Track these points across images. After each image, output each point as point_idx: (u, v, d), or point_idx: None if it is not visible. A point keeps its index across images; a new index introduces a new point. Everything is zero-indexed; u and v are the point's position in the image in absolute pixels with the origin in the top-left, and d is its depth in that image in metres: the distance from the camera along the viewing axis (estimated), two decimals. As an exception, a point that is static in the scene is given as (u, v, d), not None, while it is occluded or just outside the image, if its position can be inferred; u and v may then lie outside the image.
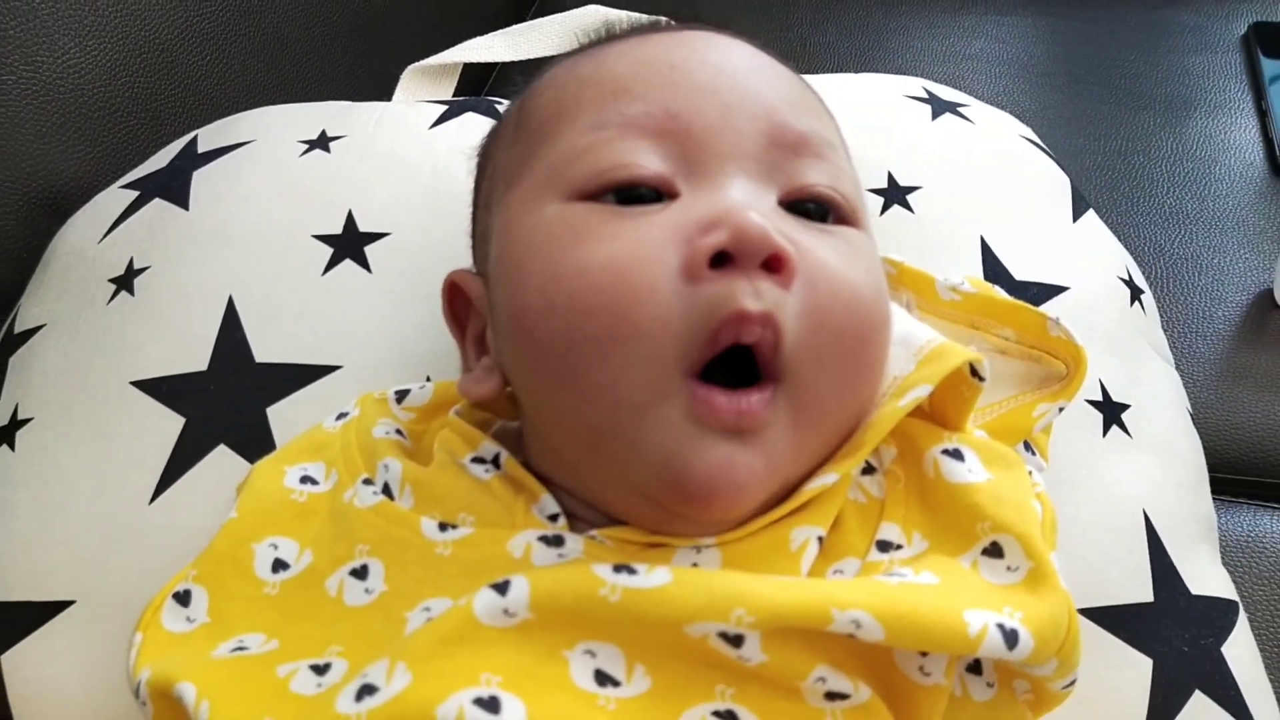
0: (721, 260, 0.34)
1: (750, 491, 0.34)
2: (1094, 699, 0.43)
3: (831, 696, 0.33)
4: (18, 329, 0.55)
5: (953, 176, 0.55)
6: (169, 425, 0.48)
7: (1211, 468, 0.55)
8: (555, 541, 0.35)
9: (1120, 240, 0.59)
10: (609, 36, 0.45)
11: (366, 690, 0.31)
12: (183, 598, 0.39)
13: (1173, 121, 0.90)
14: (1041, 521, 0.36)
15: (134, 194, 0.58)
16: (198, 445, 0.48)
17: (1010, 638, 0.32)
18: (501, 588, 0.32)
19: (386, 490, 0.40)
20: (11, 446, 0.50)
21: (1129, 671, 0.44)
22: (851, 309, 0.36)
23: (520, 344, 0.37)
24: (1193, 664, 0.44)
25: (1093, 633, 0.43)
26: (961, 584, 0.34)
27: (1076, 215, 0.56)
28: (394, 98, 0.69)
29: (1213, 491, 0.55)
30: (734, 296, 0.33)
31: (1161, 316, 0.61)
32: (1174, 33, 0.99)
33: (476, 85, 0.99)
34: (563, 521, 0.37)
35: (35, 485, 0.49)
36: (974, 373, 0.38)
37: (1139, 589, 0.45)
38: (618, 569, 0.32)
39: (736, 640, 0.32)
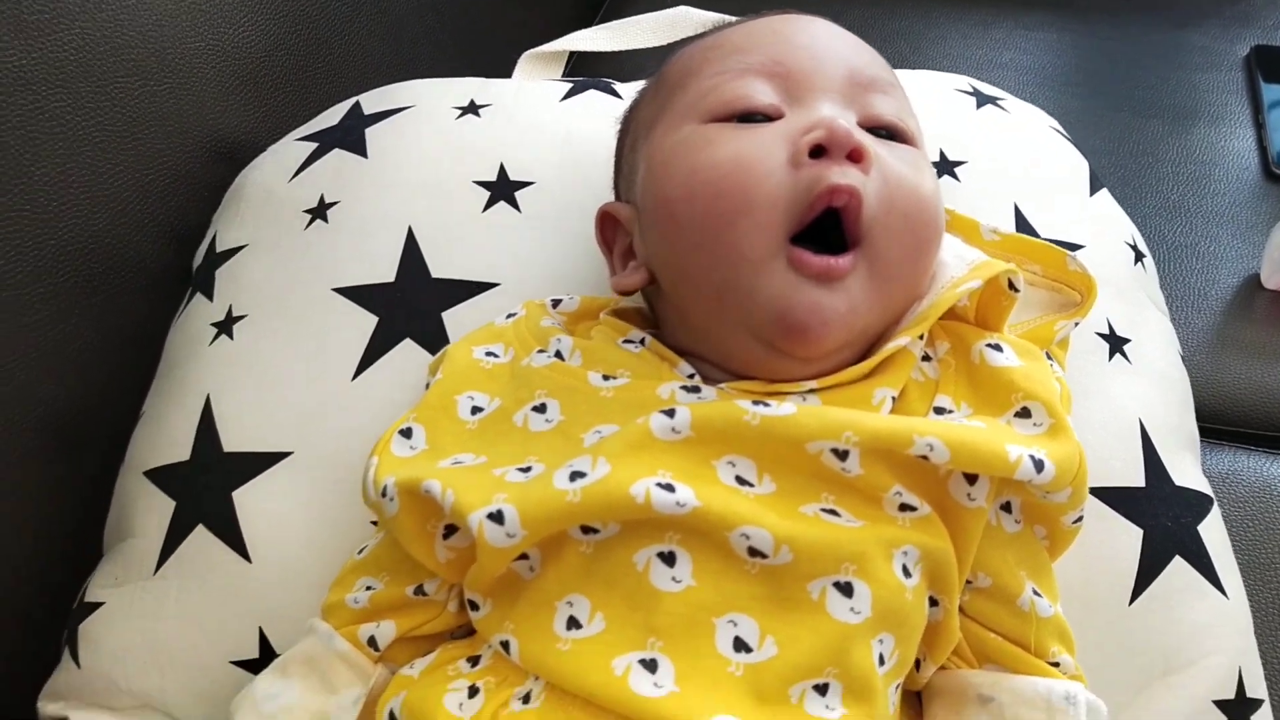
0: (818, 153, 0.46)
1: (834, 327, 0.46)
2: (1096, 558, 0.54)
3: (903, 508, 0.45)
4: (219, 248, 0.68)
5: (992, 155, 0.67)
6: (365, 322, 0.61)
7: (1202, 418, 0.67)
8: (693, 390, 0.48)
9: (1128, 225, 0.71)
10: (721, 27, 0.57)
11: (576, 475, 0.43)
12: (406, 432, 0.51)
13: (1179, 129, 1.02)
14: (1060, 395, 0.49)
15: (313, 145, 0.70)
16: (388, 338, 0.60)
17: (1038, 465, 0.44)
18: (670, 413, 0.45)
19: (557, 356, 0.52)
20: (230, 336, 0.62)
21: (1124, 537, 0.55)
22: (914, 198, 0.48)
23: (666, 226, 0.49)
24: (1174, 536, 0.56)
25: (1096, 506, 0.55)
26: (1002, 431, 0.46)
27: (1093, 191, 0.68)
28: (514, 76, 0.81)
29: (1202, 437, 0.67)
30: (828, 173, 0.46)
31: (1163, 294, 0.73)
32: (1184, 51, 1.11)
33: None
34: (697, 379, 0.49)
35: (254, 365, 0.61)
36: (1011, 286, 0.50)
37: (1133, 476, 0.57)
38: (755, 403, 0.45)
39: (843, 455, 0.44)
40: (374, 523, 0.55)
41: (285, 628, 0.55)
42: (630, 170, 0.55)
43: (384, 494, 0.48)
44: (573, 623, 0.44)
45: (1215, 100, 1.05)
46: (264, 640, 0.56)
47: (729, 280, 0.47)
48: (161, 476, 0.59)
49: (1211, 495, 0.60)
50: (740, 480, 0.45)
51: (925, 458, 0.44)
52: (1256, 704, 0.56)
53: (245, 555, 0.56)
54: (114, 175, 0.68)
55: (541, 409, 0.49)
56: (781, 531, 0.43)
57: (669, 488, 0.43)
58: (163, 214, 0.72)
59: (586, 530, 0.44)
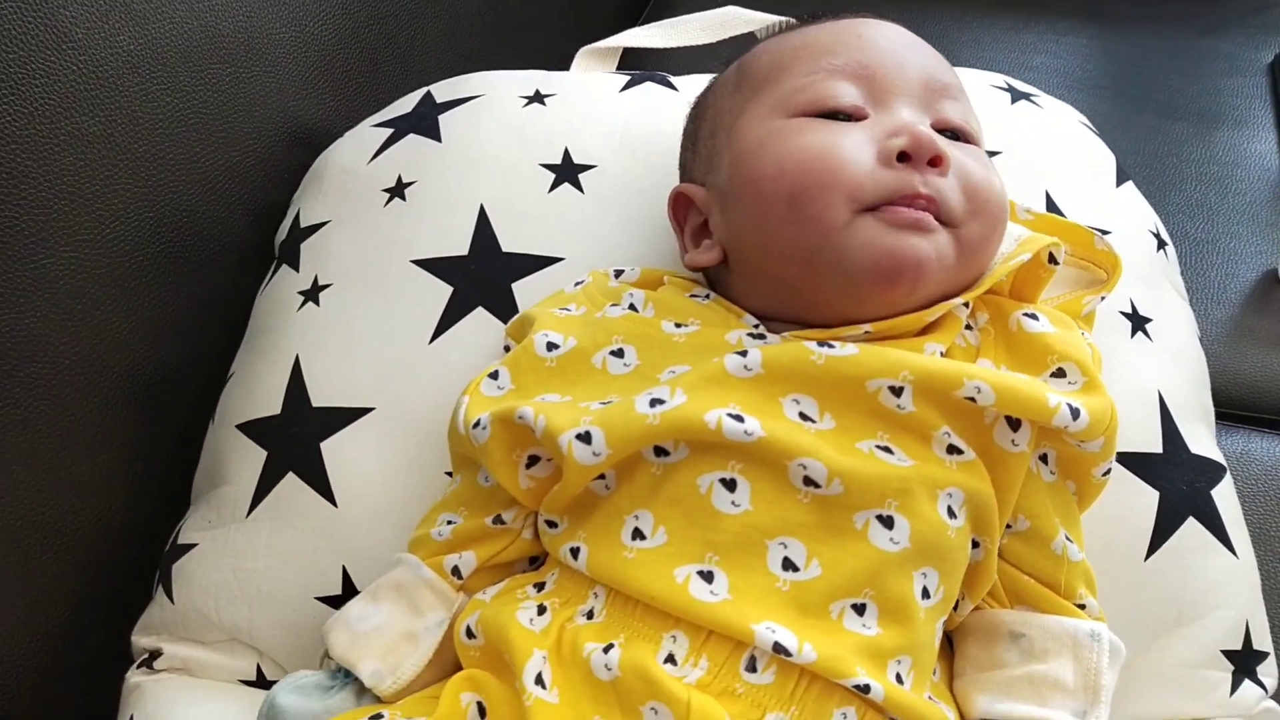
0: (902, 158, 0.51)
1: (926, 271, 0.51)
2: (1115, 516, 0.59)
3: (951, 450, 0.50)
4: (303, 224, 0.73)
5: (1026, 146, 0.72)
6: (441, 291, 0.66)
7: (1219, 403, 0.71)
8: (759, 337, 0.53)
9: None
10: (801, 22, 0.62)
11: (656, 401, 0.49)
12: (494, 375, 0.56)
13: (1203, 132, 1.07)
14: (1091, 357, 0.53)
15: (389, 130, 0.76)
16: (462, 306, 0.65)
17: (1075, 412, 0.49)
18: (742, 354, 0.50)
19: (631, 308, 0.57)
20: (317, 303, 0.68)
21: (1141, 499, 0.60)
22: (987, 194, 0.54)
23: (754, 205, 0.54)
24: (1189, 498, 0.60)
25: (1115, 469, 0.58)
26: (1041, 384, 0.51)
27: (1119, 183, 0.73)
28: (571, 69, 0.87)
29: (1218, 420, 0.71)
30: (912, 180, 0.51)
31: (1185, 286, 0.77)
32: (1209, 58, 1.15)
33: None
34: (762, 328, 0.54)
35: (339, 329, 0.66)
36: (1051, 260, 0.55)
37: (1151, 442, 0.61)
38: (820, 344, 0.50)
39: (898, 392, 0.49)
40: (449, 473, 0.60)
41: (366, 567, 0.60)
42: (709, 154, 0.60)
43: (476, 425, 0.53)
44: (638, 534, 0.49)
45: (1238, 105, 1.10)
46: (346, 578, 0.61)
47: (817, 245, 0.52)
48: (254, 429, 0.65)
49: (1224, 464, 0.64)
50: (803, 416, 0.50)
51: (973, 399, 0.49)
52: (1262, 656, 0.60)
53: (332, 500, 0.62)
54: (205, 155, 0.73)
55: (619, 354, 0.54)
56: (835, 465, 0.48)
57: (738, 418, 0.48)
58: (247, 192, 0.77)
59: (659, 452, 0.50)
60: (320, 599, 0.61)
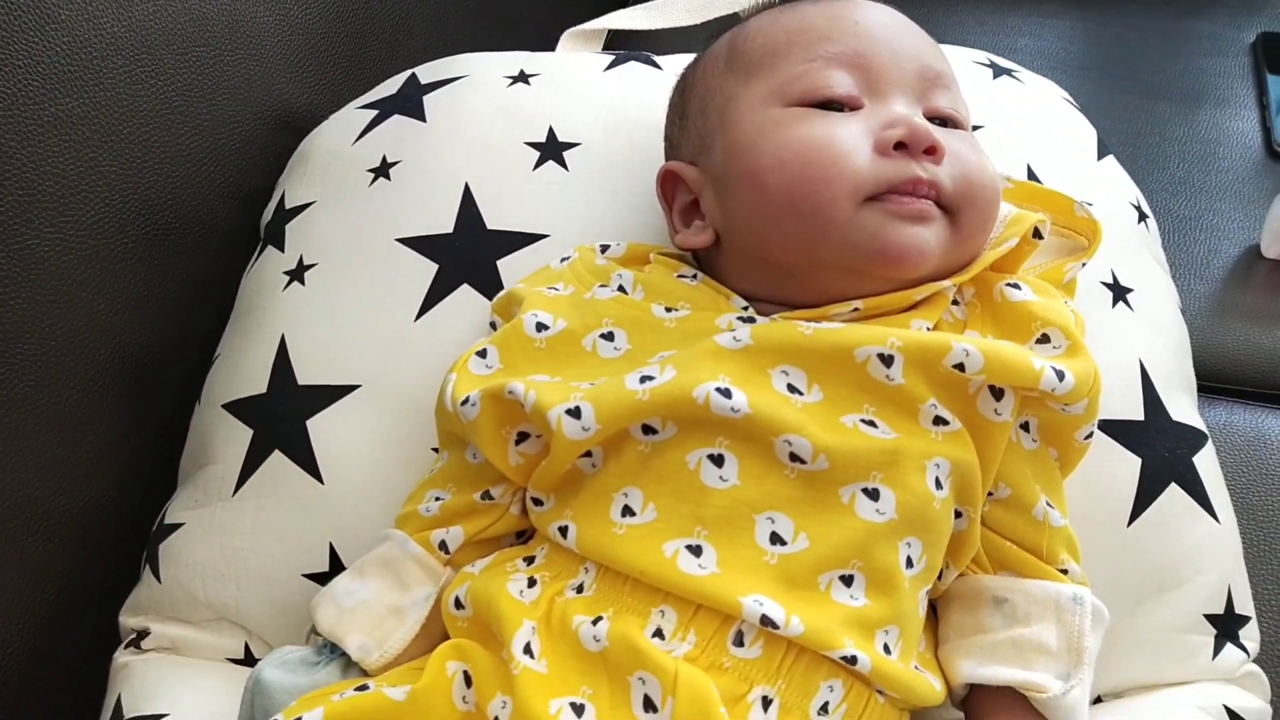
0: (899, 147, 0.52)
1: (927, 256, 0.52)
2: (1098, 483, 0.59)
3: (937, 421, 0.50)
4: (288, 205, 0.73)
5: (1008, 120, 0.72)
6: (425, 269, 0.66)
7: (1202, 376, 0.72)
8: (749, 320, 0.53)
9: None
10: (797, 3, 0.61)
11: (646, 378, 0.49)
12: (482, 353, 0.56)
13: (1186, 111, 1.07)
14: (1074, 322, 0.54)
15: (373, 112, 0.76)
16: (447, 284, 0.65)
17: (1060, 375, 0.50)
18: (734, 331, 0.50)
19: (620, 290, 0.57)
20: (302, 282, 0.68)
21: (1123, 465, 0.60)
22: (980, 179, 0.54)
23: (751, 194, 0.54)
24: (1170, 465, 0.61)
25: (1098, 436, 0.59)
26: (1027, 350, 0.51)
27: (1100, 156, 0.73)
28: (557, 50, 0.87)
29: (1201, 393, 0.72)
30: (910, 167, 0.52)
31: (1168, 262, 0.78)
32: (1192, 38, 1.16)
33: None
34: (751, 310, 0.55)
35: (325, 307, 0.66)
36: (1036, 234, 0.55)
37: (1133, 410, 0.62)
38: (809, 321, 0.50)
39: (888, 361, 0.49)
40: (435, 449, 0.61)
41: (353, 543, 0.61)
42: (700, 134, 0.60)
43: (465, 402, 0.53)
44: (627, 511, 0.49)
45: (1221, 84, 1.10)
46: (334, 554, 0.61)
47: (818, 234, 0.53)
48: (240, 408, 0.65)
49: (1206, 432, 0.64)
50: (791, 388, 0.50)
51: (961, 366, 0.49)
52: (1244, 620, 0.61)
53: (318, 477, 0.62)
54: (190, 138, 0.73)
55: (609, 337, 0.55)
56: (821, 441, 0.48)
57: (726, 393, 0.48)
58: (232, 176, 0.77)
59: (647, 430, 0.50)
60: (308, 576, 0.61)
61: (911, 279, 0.54)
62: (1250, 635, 0.61)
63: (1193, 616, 0.60)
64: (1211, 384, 0.82)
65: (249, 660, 0.62)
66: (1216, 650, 0.60)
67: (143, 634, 0.64)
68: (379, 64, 0.91)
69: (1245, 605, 0.61)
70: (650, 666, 0.45)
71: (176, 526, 0.64)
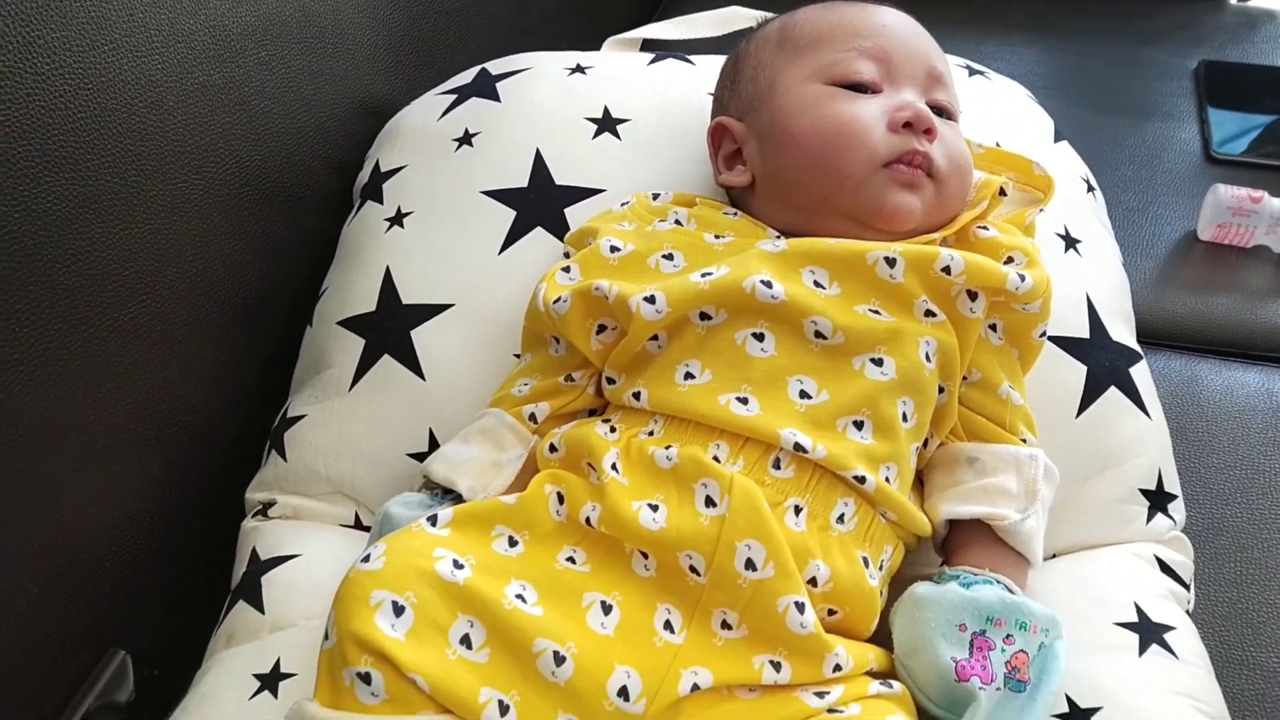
0: (906, 125, 0.67)
1: (914, 216, 0.67)
2: (1050, 384, 0.73)
3: (927, 314, 0.65)
4: (383, 169, 0.88)
5: (979, 109, 0.87)
6: (505, 214, 0.80)
7: (1148, 335, 0.87)
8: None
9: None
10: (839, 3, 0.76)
11: (705, 274, 0.64)
12: (566, 269, 0.70)
13: (1136, 124, 1.24)
14: (1033, 248, 0.69)
15: (452, 96, 0.90)
16: (524, 226, 0.80)
17: (1022, 279, 0.65)
18: (772, 240, 0.65)
19: (677, 223, 0.72)
20: (402, 226, 0.82)
21: (1071, 372, 0.75)
22: (960, 159, 0.70)
23: (791, 149, 0.70)
24: (1111, 373, 0.75)
25: (1050, 349, 0.73)
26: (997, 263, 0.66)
27: (1056, 140, 0.89)
28: (602, 52, 1.02)
29: (1148, 346, 0.86)
30: (913, 141, 0.67)
31: (1119, 245, 0.92)
32: (1143, 63, 1.33)
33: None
34: (783, 241, 0.69)
35: (422, 245, 0.81)
36: (1001, 192, 0.70)
37: (1080, 329, 0.76)
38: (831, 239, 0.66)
39: (891, 263, 0.64)
40: (516, 355, 0.74)
41: (449, 428, 0.74)
42: (750, 97, 0.74)
43: (557, 301, 0.67)
44: (689, 375, 0.64)
45: (1167, 102, 1.27)
46: (432, 437, 0.75)
47: (837, 188, 0.68)
48: (352, 323, 0.79)
49: (1140, 353, 0.79)
50: (817, 284, 0.65)
51: (947, 269, 0.64)
52: (1172, 497, 0.75)
53: (421, 375, 0.76)
54: (300, 113, 0.87)
55: (670, 257, 0.69)
56: (839, 321, 0.63)
57: (768, 284, 0.63)
58: (328, 149, 0.92)
59: (703, 317, 0.65)
60: (410, 455, 0.75)
61: (900, 232, 0.68)
62: (1177, 509, 0.75)
63: (1129, 490, 0.74)
64: (1156, 340, 0.97)
65: (359, 526, 0.76)
66: (1149, 518, 0.73)
67: (269, 505, 0.77)
68: (443, 65, 1.06)
69: (1173, 485, 0.75)
70: (712, 474, 0.59)
71: (300, 418, 0.78)
